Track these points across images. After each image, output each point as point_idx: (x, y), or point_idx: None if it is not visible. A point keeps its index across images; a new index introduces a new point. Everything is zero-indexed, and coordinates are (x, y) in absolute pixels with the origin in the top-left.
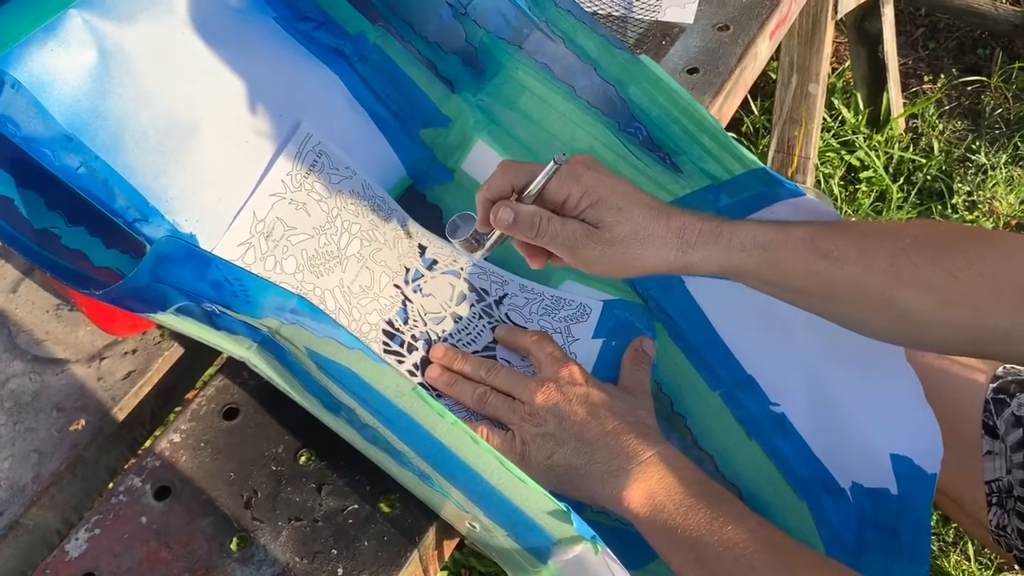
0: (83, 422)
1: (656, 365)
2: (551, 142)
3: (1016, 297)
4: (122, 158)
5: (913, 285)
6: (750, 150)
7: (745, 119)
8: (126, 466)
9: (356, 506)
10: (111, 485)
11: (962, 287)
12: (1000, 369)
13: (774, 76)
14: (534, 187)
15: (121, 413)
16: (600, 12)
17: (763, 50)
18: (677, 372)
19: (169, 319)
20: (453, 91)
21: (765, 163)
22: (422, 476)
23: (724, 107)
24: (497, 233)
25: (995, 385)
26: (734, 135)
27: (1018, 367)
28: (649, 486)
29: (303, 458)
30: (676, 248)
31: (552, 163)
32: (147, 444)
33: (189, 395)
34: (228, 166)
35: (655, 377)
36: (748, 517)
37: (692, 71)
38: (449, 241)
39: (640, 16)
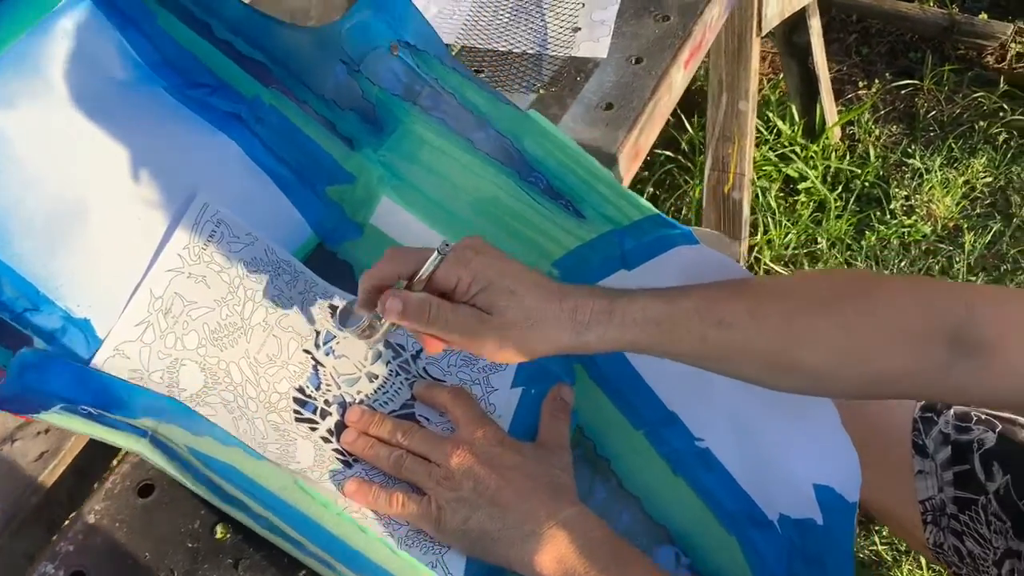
0: None
1: (577, 408)
2: (456, 193)
3: (903, 340)
4: (8, 248)
5: (808, 343)
6: (688, 171)
7: (680, 139)
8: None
9: None
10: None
11: (854, 339)
12: None
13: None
14: (422, 275)
15: (35, 496)
16: (515, 51)
17: (678, 80)
18: (599, 413)
19: (54, 419)
20: (353, 149)
21: (702, 181)
22: (323, 563)
23: (640, 139)
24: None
25: (922, 403)
26: (670, 153)
27: None
28: (559, 551)
29: (219, 532)
30: (571, 329)
31: (436, 252)
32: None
33: (105, 473)
34: (121, 245)
35: (576, 420)
36: None
37: (608, 107)
38: (340, 330)
39: (554, 53)
